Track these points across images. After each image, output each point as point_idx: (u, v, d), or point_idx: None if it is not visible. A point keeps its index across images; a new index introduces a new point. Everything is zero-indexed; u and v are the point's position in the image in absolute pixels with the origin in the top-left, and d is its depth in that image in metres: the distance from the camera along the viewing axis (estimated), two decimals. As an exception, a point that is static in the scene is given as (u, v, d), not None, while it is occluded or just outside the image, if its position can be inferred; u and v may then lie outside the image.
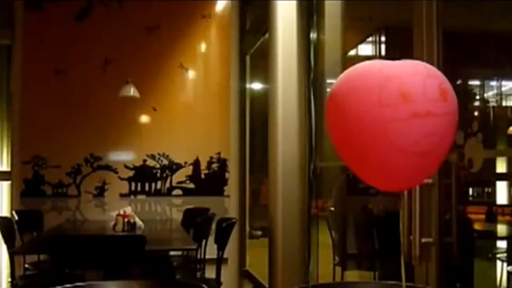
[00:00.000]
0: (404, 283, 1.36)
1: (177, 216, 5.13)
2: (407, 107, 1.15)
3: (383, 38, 5.56)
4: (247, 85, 5.44)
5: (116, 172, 5.15)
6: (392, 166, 1.22)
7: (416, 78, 1.18)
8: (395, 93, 1.16)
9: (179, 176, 5.25)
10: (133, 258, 2.89)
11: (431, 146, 1.19)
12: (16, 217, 4.31)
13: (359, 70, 1.26)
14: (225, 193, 5.29)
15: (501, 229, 3.50)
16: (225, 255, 3.94)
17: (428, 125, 1.17)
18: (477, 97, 4.01)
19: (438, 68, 1.40)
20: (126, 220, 3.83)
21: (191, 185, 5.27)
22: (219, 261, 3.76)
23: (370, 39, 5.62)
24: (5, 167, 5.19)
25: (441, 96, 1.18)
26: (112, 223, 3.91)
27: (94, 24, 5.16)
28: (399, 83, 1.17)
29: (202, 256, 4.09)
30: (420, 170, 1.27)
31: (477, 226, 3.14)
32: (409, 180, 1.31)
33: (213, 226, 4.18)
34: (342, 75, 1.29)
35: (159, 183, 5.23)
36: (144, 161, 5.21)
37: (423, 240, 1.92)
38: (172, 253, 4.41)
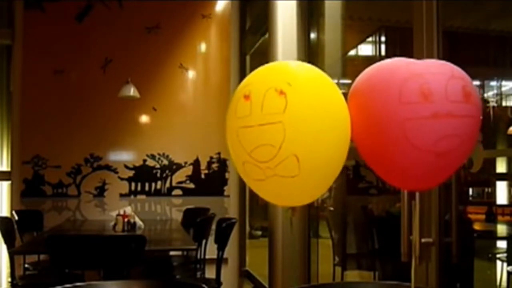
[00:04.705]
0: (413, 284, 1.35)
1: (177, 216, 5.13)
2: (427, 106, 1.15)
3: (383, 38, 5.57)
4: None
5: (116, 172, 5.15)
6: (409, 164, 1.22)
7: (439, 78, 1.18)
8: (416, 91, 1.16)
9: (179, 176, 5.25)
10: (133, 258, 2.88)
11: (450, 147, 1.19)
12: (16, 217, 4.31)
13: (382, 67, 1.26)
14: (225, 193, 5.28)
15: (501, 229, 3.51)
16: (225, 255, 3.93)
17: (448, 126, 1.17)
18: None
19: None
20: (126, 220, 3.84)
21: (191, 185, 5.27)
22: (219, 261, 3.76)
23: (370, 39, 5.62)
24: (5, 167, 5.19)
25: (464, 98, 1.18)
26: (112, 223, 3.91)
27: (94, 24, 5.15)
28: (420, 82, 1.17)
29: (202, 256, 4.09)
30: (439, 171, 1.27)
31: (477, 226, 3.14)
32: (427, 180, 1.31)
33: (213, 226, 4.18)
34: (363, 73, 1.29)
35: (159, 183, 5.23)
36: (144, 161, 5.21)
37: (423, 240, 1.92)
38: (172, 253, 4.41)
